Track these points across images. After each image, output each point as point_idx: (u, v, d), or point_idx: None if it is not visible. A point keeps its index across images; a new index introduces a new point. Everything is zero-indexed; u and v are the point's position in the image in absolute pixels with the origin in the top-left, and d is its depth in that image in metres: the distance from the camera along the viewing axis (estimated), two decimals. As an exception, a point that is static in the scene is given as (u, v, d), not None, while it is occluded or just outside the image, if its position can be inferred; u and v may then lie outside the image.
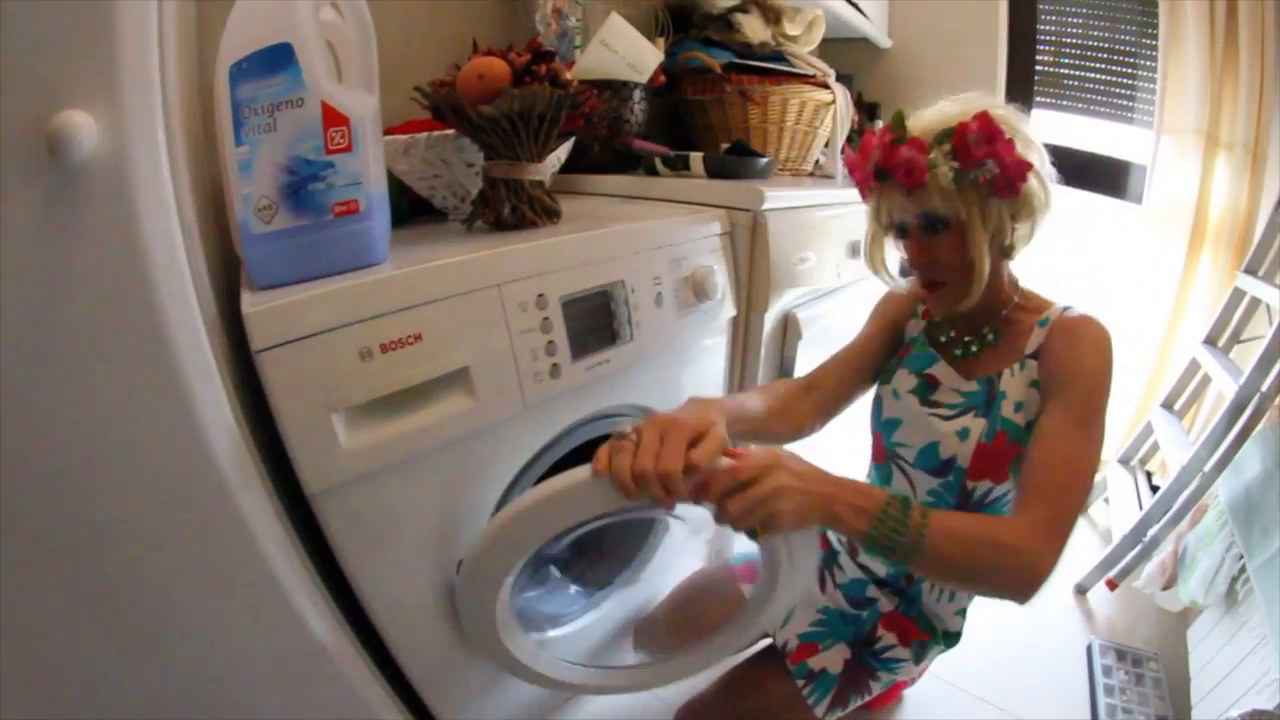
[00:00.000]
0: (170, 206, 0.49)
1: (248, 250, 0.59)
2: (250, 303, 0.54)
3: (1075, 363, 0.70)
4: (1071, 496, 0.65)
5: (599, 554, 1.03)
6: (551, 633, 0.91)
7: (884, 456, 0.87)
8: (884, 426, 0.85)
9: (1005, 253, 0.76)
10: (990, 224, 0.72)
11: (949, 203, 0.70)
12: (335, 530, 0.62)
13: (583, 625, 0.95)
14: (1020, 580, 0.62)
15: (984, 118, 0.67)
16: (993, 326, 0.80)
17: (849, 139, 1.33)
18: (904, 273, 0.84)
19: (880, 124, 0.81)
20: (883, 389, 0.86)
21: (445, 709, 0.83)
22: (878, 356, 0.89)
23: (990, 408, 0.77)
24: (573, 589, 0.98)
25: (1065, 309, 0.76)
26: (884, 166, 0.72)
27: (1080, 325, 0.73)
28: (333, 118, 0.59)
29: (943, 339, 0.85)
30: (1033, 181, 0.70)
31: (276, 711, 0.68)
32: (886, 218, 0.77)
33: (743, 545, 0.79)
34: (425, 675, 0.78)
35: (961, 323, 0.83)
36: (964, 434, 0.77)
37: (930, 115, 0.72)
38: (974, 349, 0.81)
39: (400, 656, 0.74)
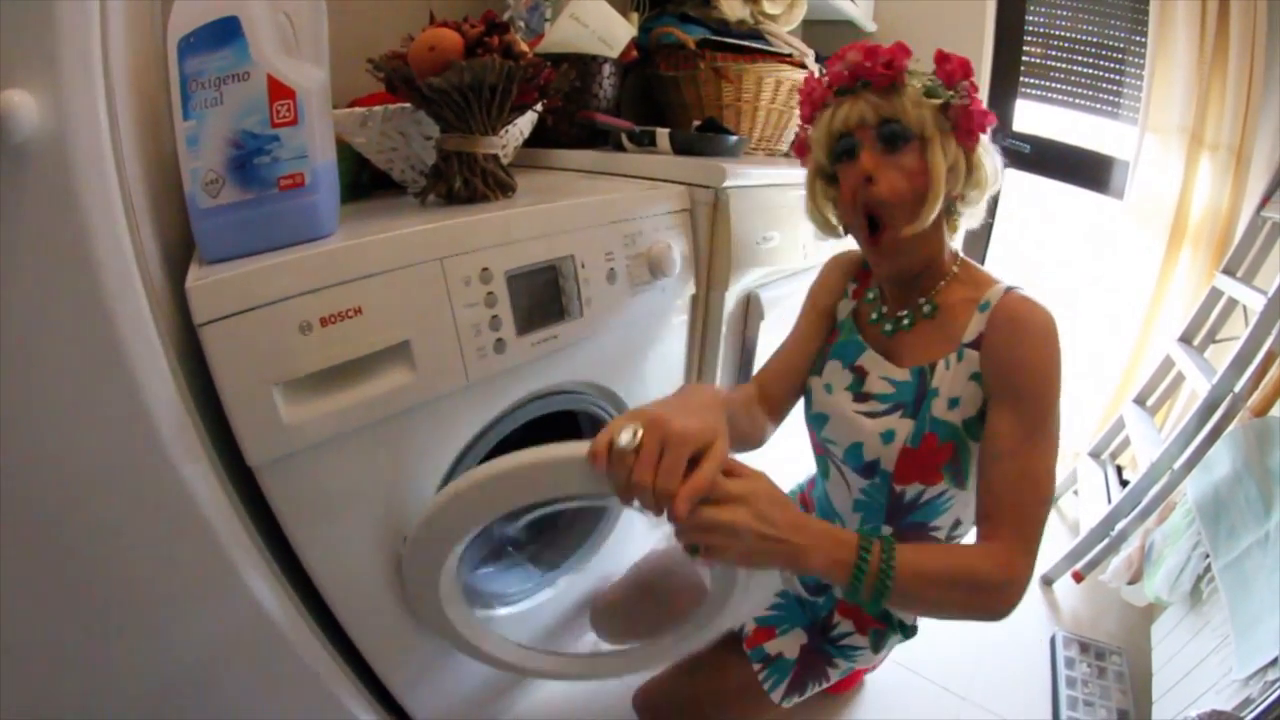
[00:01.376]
0: (113, 184, 0.49)
1: (196, 224, 0.59)
2: (194, 277, 0.54)
3: (1024, 363, 0.66)
4: (1038, 512, 0.64)
5: (554, 533, 1.02)
6: (502, 610, 0.90)
7: (820, 449, 0.86)
8: (813, 420, 0.84)
9: (949, 211, 0.74)
10: (948, 158, 0.69)
11: (918, 113, 0.67)
12: (280, 503, 0.62)
13: (535, 604, 0.95)
14: (996, 609, 0.61)
15: (960, 60, 0.69)
16: (929, 299, 0.75)
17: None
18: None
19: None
20: (813, 381, 0.84)
21: (398, 682, 0.83)
22: (814, 352, 0.86)
23: (920, 406, 0.72)
24: (528, 567, 0.97)
25: (1008, 290, 0.71)
26: (861, 64, 0.69)
27: (1026, 315, 0.67)
28: (278, 91, 0.58)
29: (873, 317, 0.81)
30: (986, 146, 0.71)
31: (232, 686, 0.69)
32: (841, 125, 0.70)
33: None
34: (377, 648, 0.78)
35: (895, 295, 0.79)
36: (888, 436, 0.73)
37: None
38: (905, 323, 0.77)
39: (351, 629, 0.74)
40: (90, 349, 0.50)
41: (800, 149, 0.80)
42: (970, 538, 0.74)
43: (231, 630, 0.66)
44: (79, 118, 0.46)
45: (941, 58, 0.69)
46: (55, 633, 0.58)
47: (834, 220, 0.79)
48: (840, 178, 0.73)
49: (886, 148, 0.69)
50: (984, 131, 0.69)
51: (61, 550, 0.55)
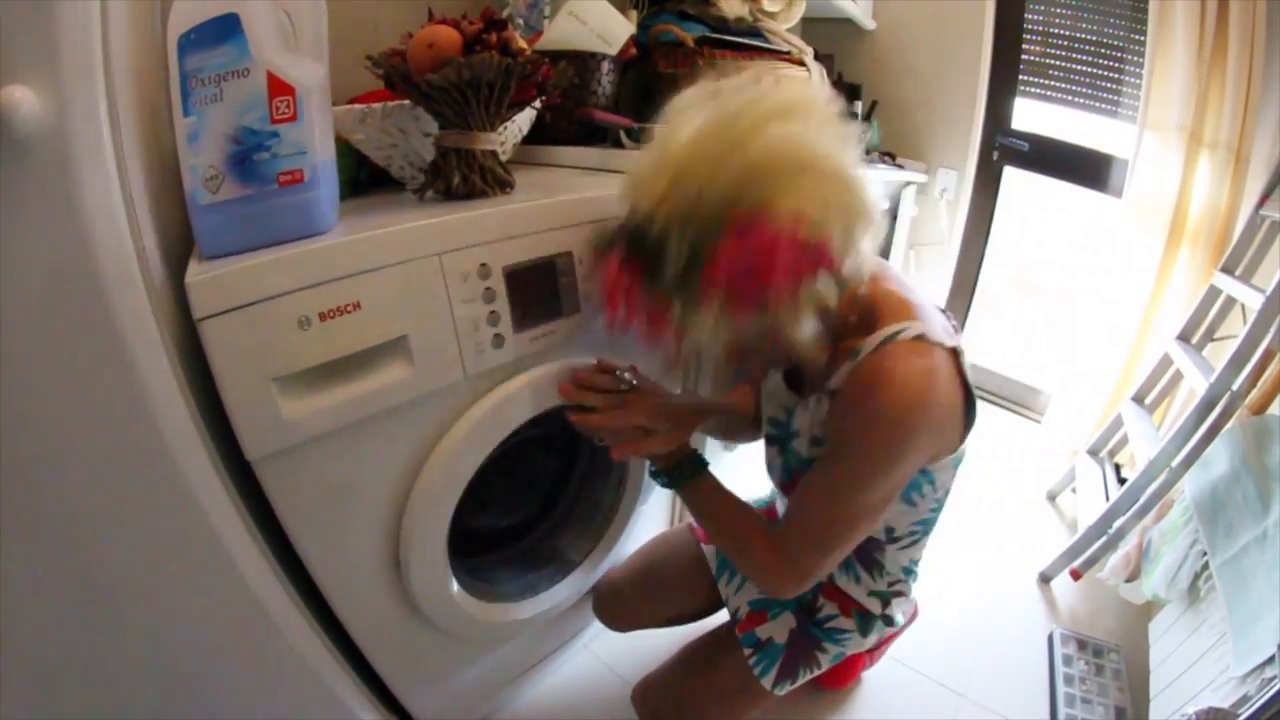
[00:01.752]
0: (113, 179, 0.49)
1: (195, 220, 0.59)
2: (194, 272, 0.54)
3: (854, 426, 0.63)
4: (817, 550, 0.69)
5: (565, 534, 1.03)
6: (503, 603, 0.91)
7: None
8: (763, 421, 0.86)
9: (842, 284, 0.59)
10: (806, 302, 0.57)
11: (714, 333, 0.57)
12: (278, 496, 0.63)
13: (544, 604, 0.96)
14: (763, 587, 0.74)
15: (760, 223, 0.52)
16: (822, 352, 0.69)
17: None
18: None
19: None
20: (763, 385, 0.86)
21: (396, 677, 0.84)
22: None
23: (788, 443, 0.77)
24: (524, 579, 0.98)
25: (887, 340, 0.62)
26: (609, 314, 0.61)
27: (880, 378, 0.60)
28: (278, 87, 0.58)
29: None
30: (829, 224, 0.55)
31: (229, 680, 0.70)
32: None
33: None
34: (375, 643, 0.79)
35: None
36: (770, 468, 0.81)
37: (686, 152, 0.55)
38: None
39: (349, 624, 0.75)
40: (90, 344, 0.50)
41: None
42: (910, 549, 0.79)
43: (229, 624, 0.66)
44: (80, 113, 0.46)
45: (718, 280, 0.54)
46: (55, 625, 0.58)
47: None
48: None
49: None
50: (779, 275, 0.54)
51: (60, 544, 0.56)
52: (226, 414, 0.57)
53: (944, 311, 0.73)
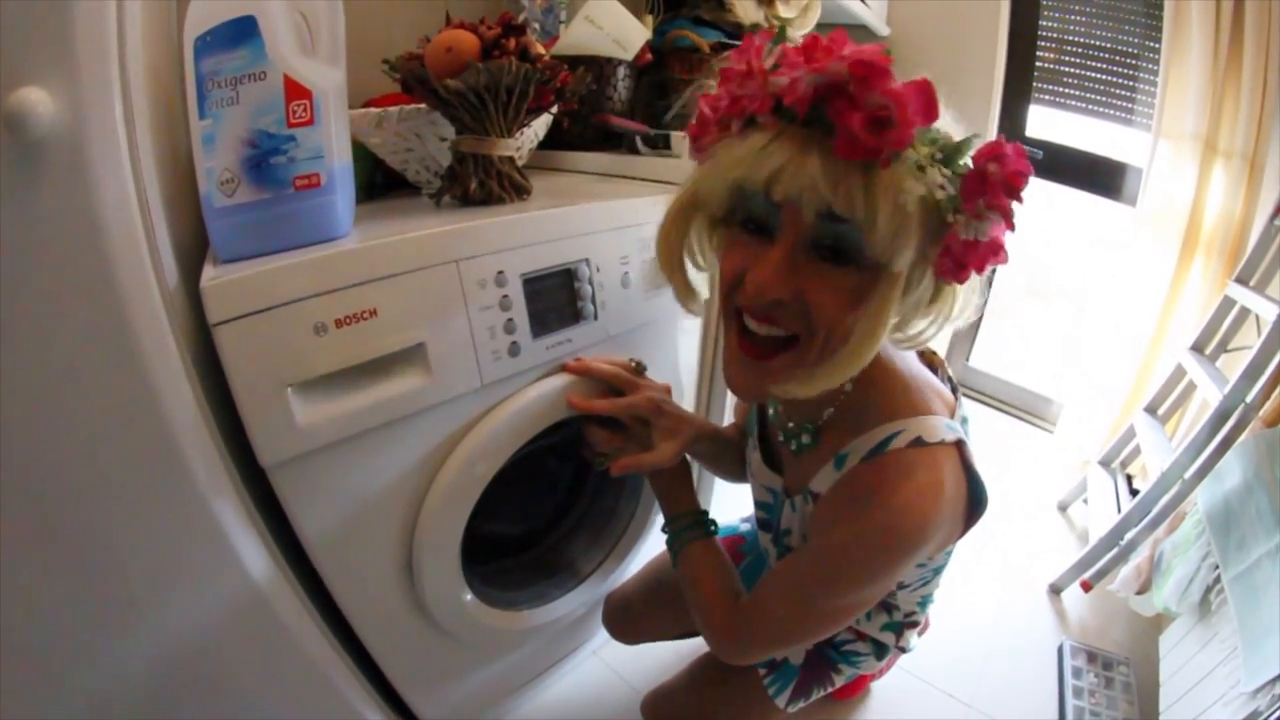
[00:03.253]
0: (128, 182, 0.49)
1: (211, 224, 0.59)
2: (209, 276, 0.54)
3: (841, 539, 0.55)
4: (771, 642, 0.67)
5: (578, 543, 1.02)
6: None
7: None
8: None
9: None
10: (910, 298, 0.49)
11: (894, 229, 0.44)
12: (291, 503, 0.63)
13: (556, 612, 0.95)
14: (714, 649, 0.71)
15: (1026, 159, 0.44)
16: (811, 427, 0.62)
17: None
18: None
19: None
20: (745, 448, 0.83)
21: (405, 681, 0.84)
22: None
23: (781, 539, 0.74)
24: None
25: (882, 446, 0.54)
26: (835, 90, 0.42)
27: (873, 501, 0.52)
28: (295, 91, 0.58)
29: (770, 412, 0.73)
30: (974, 279, 0.49)
31: (239, 682, 0.70)
32: (764, 182, 0.45)
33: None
34: (385, 648, 0.79)
35: (794, 404, 0.64)
36: (766, 553, 0.79)
37: None
38: (794, 446, 0.65)
39: (359, 629, 0.75)
40: (104, 347, 0.50)
41: (699, 139, 0.54)
42: (922, 590, 0.76)
43: (239, 627, 0.66)
44: (95, 116, 0.46)
45: (988, 153, 0.44)
46: (65, 628, 0.58)
47: (699, 288, 0.61)
48: (727, 243, 0.54)
49: (815, 252, 0.48)
50: (980, 271, 0.47)
51: (72, 547, 0.56)
52: (239, 419, 0.56)
53: (936, 362, 0.67)
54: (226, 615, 0.65)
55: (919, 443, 0.53)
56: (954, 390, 0.64)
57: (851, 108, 0.41)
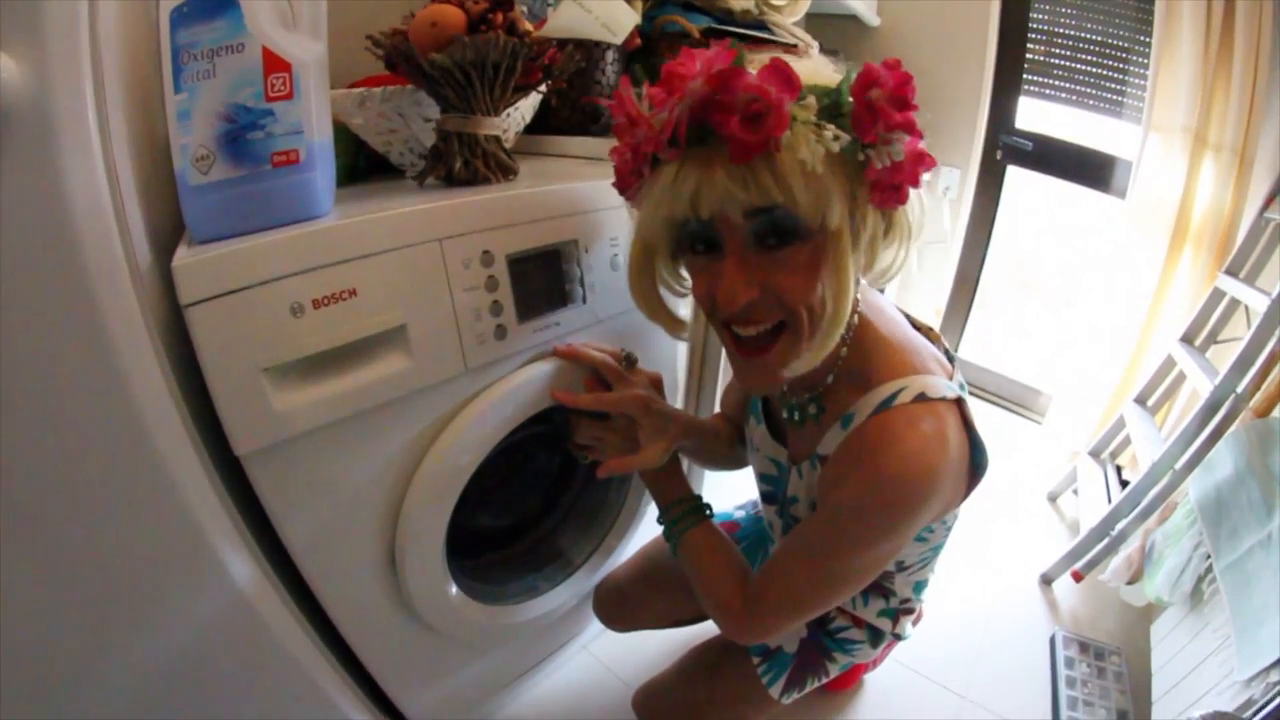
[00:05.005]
0: (96, 155, 0.47)
1: (185, 202, 0.57)
2: (182, 256, 0.52)
3: (851, 497, 0.56)
4: (790, 613, 0.65)
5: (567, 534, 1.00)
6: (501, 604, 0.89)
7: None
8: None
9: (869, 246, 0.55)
10: (862, 241, 0.52)
11: (815, 194, 0.47)
12: (268, 494, 0.61)
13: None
14: (726, 632, 0.70)
15: (902, 70, 0.46)
16: (815, 396, 0.63)
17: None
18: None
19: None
20: (745, 428, 0.82)
21: (391, 680, 0.82)
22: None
23: (786, 507, 0.73)
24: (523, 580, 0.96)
25: (885, 403, 0.56)
26: (705, 108, 0.46)
27: (880, 452, 0.54)
28: (274, 63, 0.56)
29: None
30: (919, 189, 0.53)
31: (219, 683, 0.68)
32: (688, 210, 0.50)
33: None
34: (370, 646, 0.77)
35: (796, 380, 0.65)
36: (770, 526, 0.78)
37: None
38: (798, 417, 0.66)
39: (343, 627, 0.73)
40: (69, 328, 0.48)
41: (625, 191, 0.60)
42: (920, 572, 0.76)
43: (219, 626, 0.64)
44: (63, 84, 0.44)
45: (865, 98, 0.46)
46: (39, 629, 0.56)
47: (680, 314, 0.65)
48: (690, 270, 0.57)
49: (759, 247, 0.51)
50: (917, 184, 0.51)
51: (41, 543, 0.53)
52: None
53: (932, 336, 0.67)
54: (204, 613, 0.63)
55: (922, 398, 0.55)
56: (951, 360, 0.65)
57: (726, 114, 0.45)
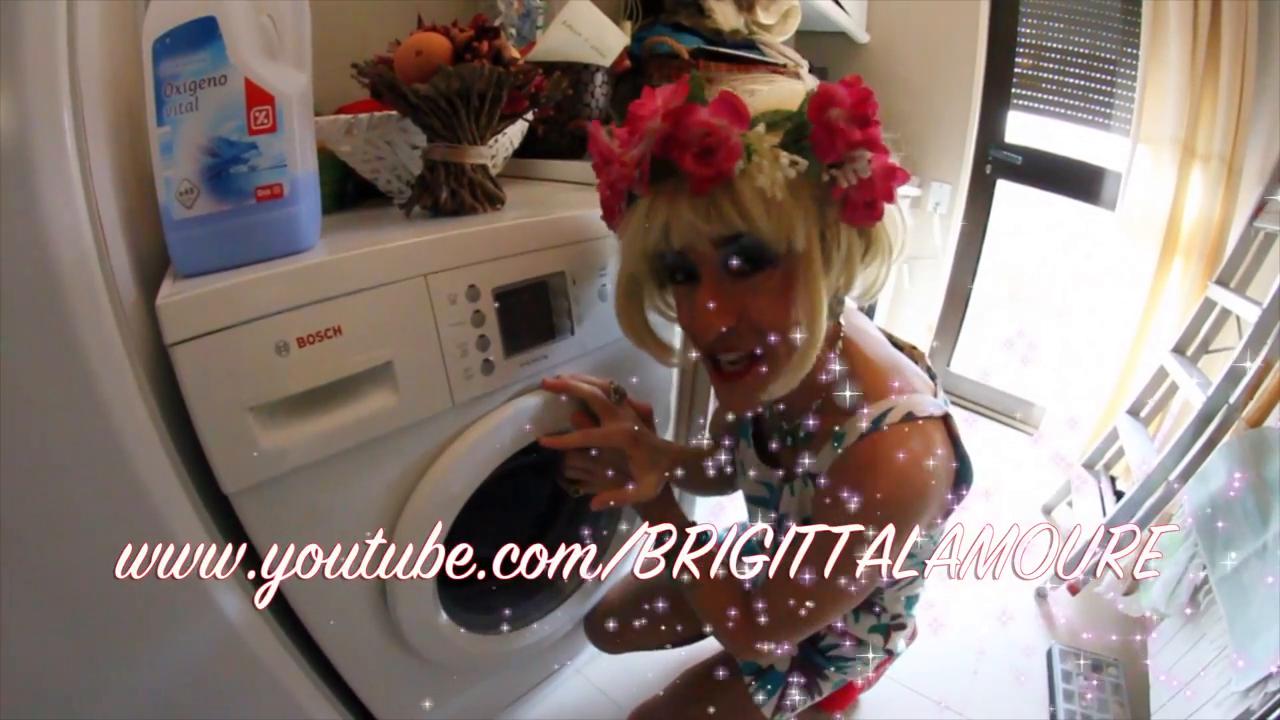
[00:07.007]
0: (77, 192, 0.46)
1: (170, 236, 0.57)
2: (166, 293, 0.51)
3: (844, 518, 0.56)
4: (793, 629, 0.65)
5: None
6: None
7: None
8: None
9: (832, 310, 0.56)
10: (836, 263, 0.52)
11: (778, 220, 0.48)
12: (258, 532, 0.60)
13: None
14: (730, 650, 0.71)
15: (860, 87, 0.47)
16: (804, 417, 0.63)
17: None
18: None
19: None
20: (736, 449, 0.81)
21: (378, 704, 0.80)
22: None
23: (780, 524, 0.73)
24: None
25: (876, 422, 0.56)
26: (665, 145, 0.48)
27: (872, 473, 0.55)
28: (257, 96, 0.56)
29: (767, 413, 0.73)
30: (896, 205, 0.53)
31: (209, 709, 0.67)
32: (659, 243, 0.52)
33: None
34: (356, 670, 0.76)
35: (785, 405, 0.67)
36: (761, 540, 0.77)
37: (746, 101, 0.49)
38: (790, 441, 0.66)
39: (336, 661, 0.72)
40: (53, 369, 0.47)
41: (612, 224, 0.61)
42: (910, 587, 0.77)
43: (209, 656, 0.63)
44: (42, 120, 0.43)
45: (823, 118, 0.46)
46: (31, 667, 0.55)
47: (672, 341, 0.67)
48: (675, 298, 0.59)
49: (730, 275, 0.52)
50: (891, 199, 0.50)
51: (32, 584, 0.52)
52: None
53: (915, 355, 0.68)
54: (194, 644, 0.62)
55: (910, 418, 0.56)
56: (933, 378, 0.66)
57: (682, 150, 0.47)
